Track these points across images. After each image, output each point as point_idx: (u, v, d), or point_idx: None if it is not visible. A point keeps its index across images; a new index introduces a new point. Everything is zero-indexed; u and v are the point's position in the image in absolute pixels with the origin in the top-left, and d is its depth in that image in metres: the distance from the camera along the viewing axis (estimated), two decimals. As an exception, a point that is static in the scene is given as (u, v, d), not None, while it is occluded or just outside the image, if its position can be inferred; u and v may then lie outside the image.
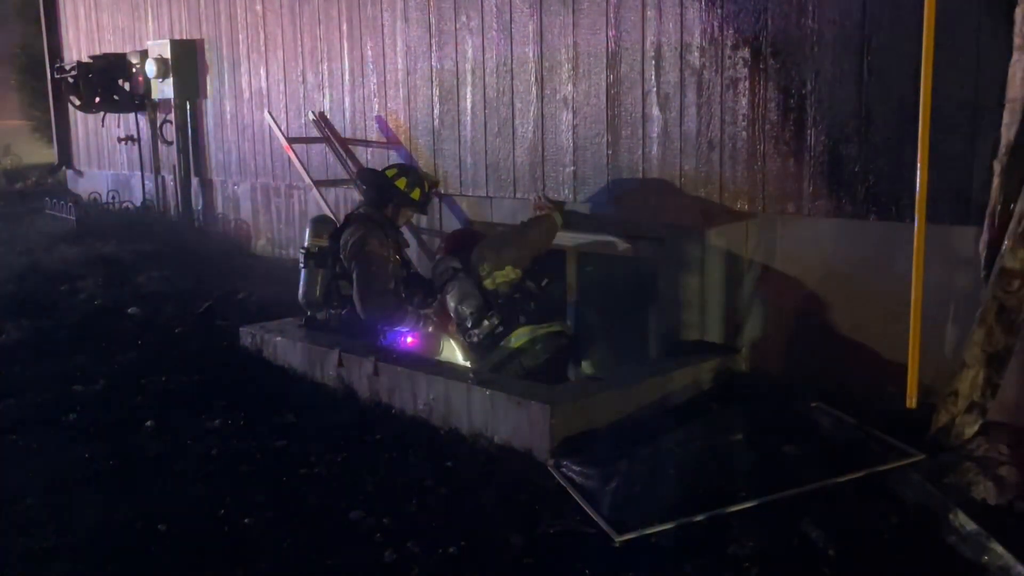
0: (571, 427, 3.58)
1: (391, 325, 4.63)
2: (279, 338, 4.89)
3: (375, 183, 4.89)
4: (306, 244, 4.91)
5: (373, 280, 4.56)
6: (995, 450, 3.21)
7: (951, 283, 3.56)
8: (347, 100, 6.69)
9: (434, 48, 5.86)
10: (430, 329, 4.78)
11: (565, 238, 5.04)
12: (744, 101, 4.24)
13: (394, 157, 6.17)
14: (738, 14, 4.21)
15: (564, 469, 3.36)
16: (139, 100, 8.95)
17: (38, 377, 4.78)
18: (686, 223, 4.53)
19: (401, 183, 4.80)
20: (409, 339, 4.69)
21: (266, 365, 4.88)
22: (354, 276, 4.61)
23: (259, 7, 7.49)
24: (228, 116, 8.11)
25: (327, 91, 6.87)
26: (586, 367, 4.95)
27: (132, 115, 9.31)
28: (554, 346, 4.50)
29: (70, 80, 9.18)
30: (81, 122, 10.60)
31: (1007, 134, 3.30)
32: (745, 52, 4.20)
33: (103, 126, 9.82)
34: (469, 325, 4.56)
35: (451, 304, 4.61)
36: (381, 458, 3.67)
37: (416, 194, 4.81)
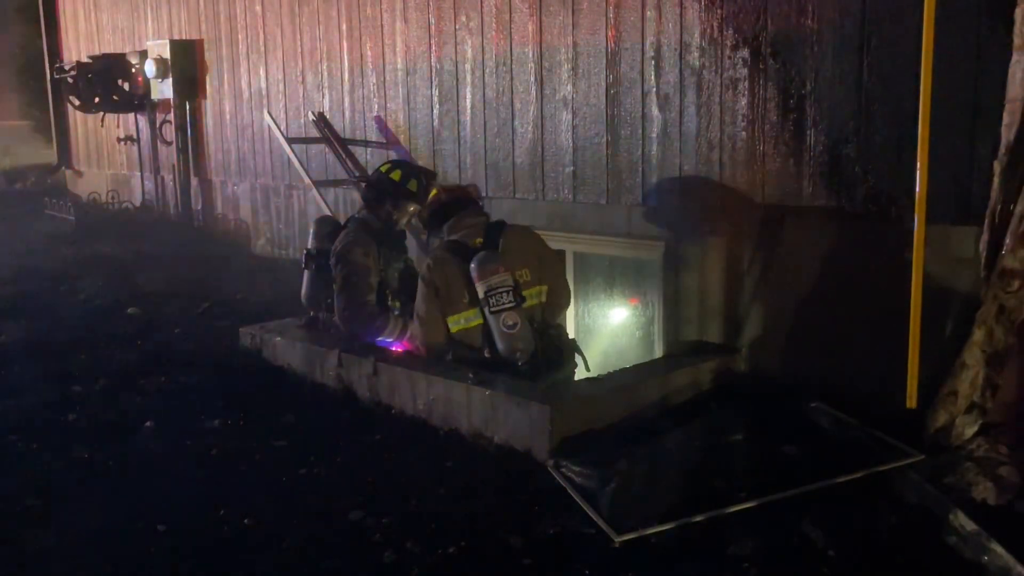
0: (571, 427, 3.58)
1: (370, 336, 4.52)
2: (279, 338, 4.89)
3: (371, 180, 4.84)
4: (308, 245, 4.90)
5: (352, 291, 4.47)
6: (995, 450, 3.21)
7: (951, 283, 3.56)
8: (347, 100, 6.69)
9: (433, 48, 5.86)
10: None
11: (564, 239, 5.03)
12: (744, 101, 4.24)
13: (393, 157, 6.16)
14: (738, 14, 4.21)
15: (564, 469, 3.36)
16: (138, 100, 8.95)
17: (38, 377, 4.77)
18: (686, 223, 4.53)
19: (396, 175, 4.71)
20: (400, 351, 4.64)
21: (266, 365, 4.88)
22: (334, 286, 4.55)
23: (258, 7, 7.49)
24: (227, 116, 8.10)
25: (327, 91, 6.87)
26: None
27: (131, 115, 9.31)
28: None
29: (70, 80, 9.18)
30: (81, 122, 10.60)
31: (1007, 134, 3.30)
32: (745, 52, 4.20)
33: (103, 126, 9.81)
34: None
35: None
36: (381, 458, 3.67)
37: (413, 185, 4.64)
